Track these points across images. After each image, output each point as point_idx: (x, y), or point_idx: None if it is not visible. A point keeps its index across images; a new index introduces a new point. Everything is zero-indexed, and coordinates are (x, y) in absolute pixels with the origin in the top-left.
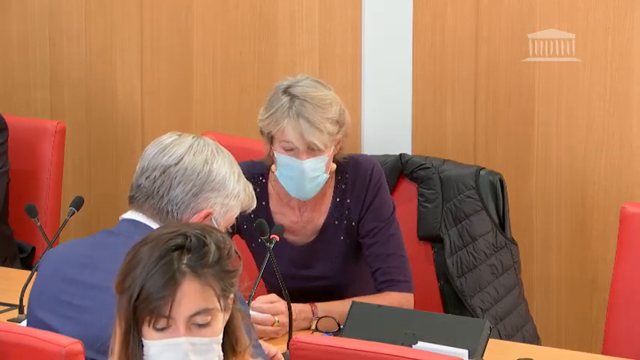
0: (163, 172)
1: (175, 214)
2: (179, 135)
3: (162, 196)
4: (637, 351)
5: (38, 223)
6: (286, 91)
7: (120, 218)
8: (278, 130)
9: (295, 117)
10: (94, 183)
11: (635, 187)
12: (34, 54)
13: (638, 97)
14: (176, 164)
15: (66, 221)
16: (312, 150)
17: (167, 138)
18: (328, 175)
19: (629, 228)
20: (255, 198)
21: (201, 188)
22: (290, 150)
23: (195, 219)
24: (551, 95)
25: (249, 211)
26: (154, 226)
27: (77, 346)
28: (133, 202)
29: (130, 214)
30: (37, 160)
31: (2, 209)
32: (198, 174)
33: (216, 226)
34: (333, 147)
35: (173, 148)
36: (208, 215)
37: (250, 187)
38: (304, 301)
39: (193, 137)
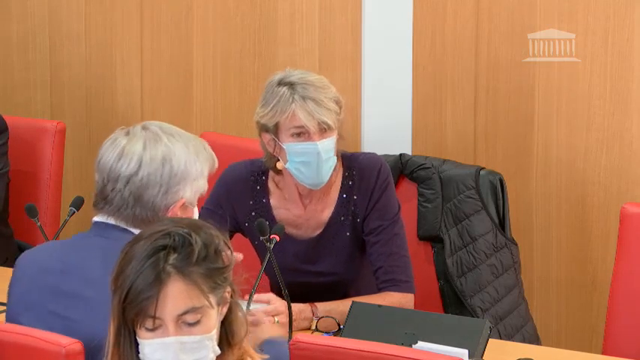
0: (127, 183)
1: (151, 217)
2: (127, 132)
3: (134, 205)
4: (637, 351)
5: (38, 223)
6: (281, 82)
7: (92, 221)
8: (286, 118)
9: (301, 100)
10: (93, 183)
11: (635, 187)
12: (34, 54)
13: (638, 97)
14: (137, 172)
15: (66, 221)
16: (323, 130)
17: (119, 139)
18: (336, 159)
19: (629, 228)
20: (214, 157)
21: (168, 186)
22: (301, 135)
23: (171, 213)
24: (551, 95)
25: (252, 203)
26: (133, 229)
27: (77, 345)
28: (102, 210)
29: (103, 218)
30: (37, 160)
31: (2, 209)
32: (161, 175)
33: (192, 208)
34: (336, 129)
35: (129, 153)
36: (183, 204)
37: (206, 145)
38: (309, 297)
39: (141, 130)
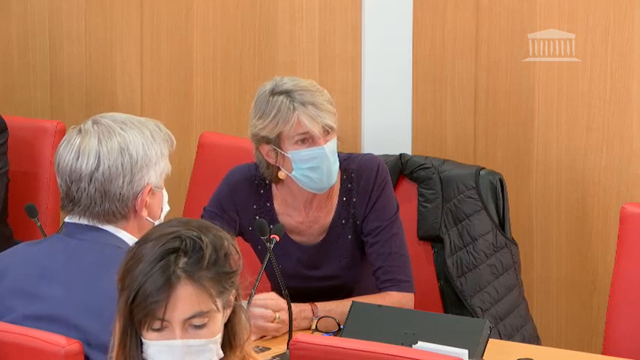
0: (90, 180)
1: (122, 210)
2: (79, 130)
3: (102, 202)
4: (637, 351)
5: (38, 223)
6: (275, 92)
7: (64, 222)
8: (290, 126)
9: (302, 106)
10: None
11: (635, 187)
12: (34, 54)
13: (638, 97)
14: (97, 167)
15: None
16: (327, 132)
17: (73, 138)
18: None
19: (629, 228)
20: (171, 135)
21: (132, 174)
22: (305, 142)
23: (140, 200)
24: (551, 95)
25: (255, 210)
26: (106, 227)
27: (77, 346)
28: (71, 212)
29: (75, 219)
30: (37, 160)
31: (2, 209)
32: (122, 165)
33: (159, 191)
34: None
35: (85, 150)
36: (150, 190)
37: (162, 126)
38: (313, 301)
39: (93, 125)
